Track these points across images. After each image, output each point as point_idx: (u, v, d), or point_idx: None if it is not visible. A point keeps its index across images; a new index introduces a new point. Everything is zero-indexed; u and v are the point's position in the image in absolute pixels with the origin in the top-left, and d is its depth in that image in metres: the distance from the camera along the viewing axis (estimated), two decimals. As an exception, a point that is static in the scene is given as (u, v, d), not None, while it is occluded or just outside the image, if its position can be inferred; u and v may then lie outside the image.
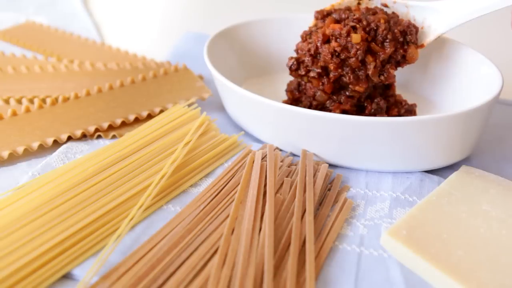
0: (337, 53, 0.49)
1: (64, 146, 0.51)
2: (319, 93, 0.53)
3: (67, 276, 0.37)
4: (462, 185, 0.45)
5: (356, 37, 0.49)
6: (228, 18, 0.70)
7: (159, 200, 0.45)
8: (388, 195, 0.47)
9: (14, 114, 0.52)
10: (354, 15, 0.51)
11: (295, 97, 0.56)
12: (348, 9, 0.54)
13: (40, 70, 0.61)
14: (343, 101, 0.52)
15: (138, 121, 0.56)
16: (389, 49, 0.50)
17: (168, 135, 0.52)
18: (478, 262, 0.38)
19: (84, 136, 0.53)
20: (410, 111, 0.55)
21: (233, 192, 0.44)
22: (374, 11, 0.52)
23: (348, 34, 0.49)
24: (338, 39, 0.49)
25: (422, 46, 0.53)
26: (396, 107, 0.55)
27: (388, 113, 0.55)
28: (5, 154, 0.49)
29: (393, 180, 0.48)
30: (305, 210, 0.42)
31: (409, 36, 0.52)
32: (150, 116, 0.56)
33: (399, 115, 0.55)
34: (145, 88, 0.59)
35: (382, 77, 0.51)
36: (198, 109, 0.55)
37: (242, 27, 0.64)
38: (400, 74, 0.58)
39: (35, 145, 0.50)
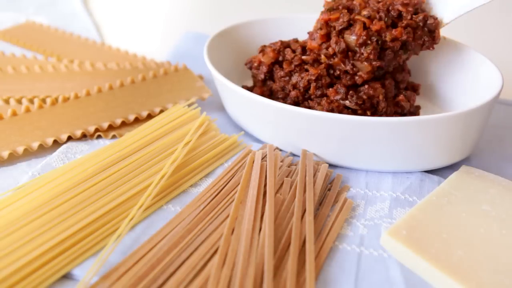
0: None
1: (64, 146, 0.51)
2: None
3: (67, 276, 0.37)
4: (462, 185, 0.45)
5: None
6: (228, 18, 0.70)
7: (159, 200, 0.45)
8: (388, 195, 0.47)
9: (14, 114, 0.52)
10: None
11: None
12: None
13: (40, 70, 0.61)
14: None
15: (138, 121, 0.56)
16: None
17: (168, 135, 0.52)
18: (478, 262, 0.38)
19: (84, 136, 0.53)
20: (413, 113, 0.55)
21: (233, 192, 0.44)
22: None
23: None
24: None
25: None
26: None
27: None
28: (5, 154, 0.49)
29: (393, 180, 0.48)
30: (305, 210, 0.42)
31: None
32: (150, 116, 0.56)
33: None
34: (145, 88, 0.59)
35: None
36: (198, 109, 0.55)
37: (242, 27, 0.64)
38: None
39: (35, 145, 0.50)
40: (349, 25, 0.51)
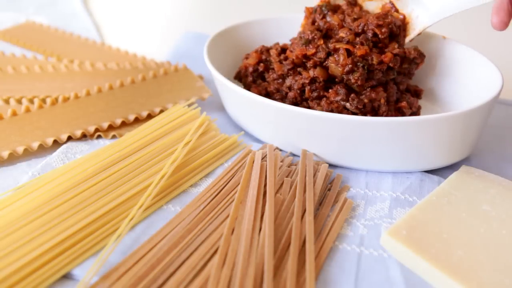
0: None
1: (64, 146, 0.51)
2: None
3: (67, 276, 0.37)
4: (462, 185, 0.45)
5: None
6: (228, 18, 0.70)
7: (159, 200, 0.45)
8: (388, 195, 0.47)
9: (14, 114, 0.52)
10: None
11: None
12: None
13: (40, 70, 0.61)
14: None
15: (138, 121, 0.56)
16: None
17: (168, 135, 0.52)
18: (478, 262, 0.38)
19: (84, 136, 0.53)
20: (414, 113, 0.55)
21: (233, 192, 0.44)
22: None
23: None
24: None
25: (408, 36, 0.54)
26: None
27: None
28: (5, 154, 0.48)
29: (393, 180, 0.48)
30: (305, 210, 0.42)
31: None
32: (150, 116, 0.56)
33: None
34: (145, 88, 0.59)
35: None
36: (198, 109, 0.55)
37: (242, 27, 0.64)
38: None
39: (35, 145, 0.50)
40: (328, 53, 0.51)
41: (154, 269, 0.37)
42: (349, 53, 0.49)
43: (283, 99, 0.54)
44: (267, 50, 0.57)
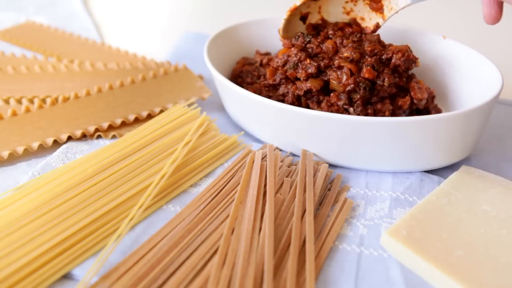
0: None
1: (64, 146, 0.51)
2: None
3: (67, 276, 0.37)
4: (462, 185, 0.45)
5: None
6: (228, 18, 0.70)
7: (159, 200, 0.45)
8: (388, 195, 0.47)
9: (14, 114, 0.52)
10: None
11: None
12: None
13: (40, 70, 0.61)
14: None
15: (138, 121, 0.56)
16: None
17: (168, 135, 0.52)
18: (478, 262, 0.38)
19: (84, 136, 0.53)
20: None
21: (233, 192, 0.44)
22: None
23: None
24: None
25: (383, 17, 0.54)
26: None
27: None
28: (5, 154, 0.49)
29: (393, 180, 0.48)
30: (305, 210, 0.42)
31: None
32: (150, 116, 0.56)
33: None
34: (145, 88, 0.59)
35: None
36: (198, 109, 0.55)
37: (241, 27, 0.64)
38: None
39: (35, 145, 0.50)
40: (319, 69, 0.50)
41: (154, 269, 0.37)
42: (351, 72, 0.49)
43: (280, 101, 0.54)
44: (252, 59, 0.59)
